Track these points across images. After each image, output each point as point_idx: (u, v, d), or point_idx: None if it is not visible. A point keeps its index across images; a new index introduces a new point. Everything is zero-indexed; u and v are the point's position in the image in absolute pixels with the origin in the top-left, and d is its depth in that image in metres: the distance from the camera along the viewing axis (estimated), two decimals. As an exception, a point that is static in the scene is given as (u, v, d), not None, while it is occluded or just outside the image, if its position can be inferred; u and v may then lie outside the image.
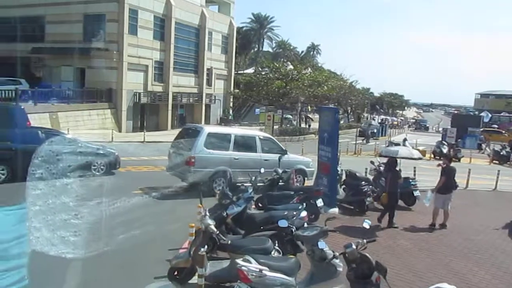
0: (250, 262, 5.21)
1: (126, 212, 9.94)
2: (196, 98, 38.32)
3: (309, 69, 41.76)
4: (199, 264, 5.62)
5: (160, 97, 34.02)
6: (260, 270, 5.12)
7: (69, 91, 28.26)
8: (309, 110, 52.55)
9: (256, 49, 64.78)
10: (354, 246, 5.52)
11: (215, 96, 40.72)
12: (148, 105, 33.28)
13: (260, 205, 10.02)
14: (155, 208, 10.87)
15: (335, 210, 11.25)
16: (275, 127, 33.32)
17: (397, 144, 27.70)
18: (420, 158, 12.28)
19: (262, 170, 10.14)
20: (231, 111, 43.16)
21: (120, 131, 29.72)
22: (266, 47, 70.69)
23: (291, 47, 77.19)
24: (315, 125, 45.27)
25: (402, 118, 78.30)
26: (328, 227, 5.88)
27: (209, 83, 39.83)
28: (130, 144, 22.50)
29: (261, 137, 13.89)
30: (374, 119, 58.77)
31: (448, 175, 10.46)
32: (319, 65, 50.59)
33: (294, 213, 7.37)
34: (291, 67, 41.50)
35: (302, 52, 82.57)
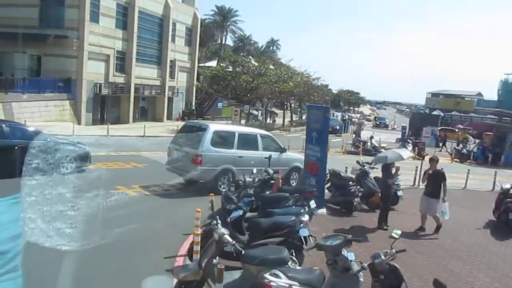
0: (278, 277, 4.78)
1: (110, 212, 9.20)
2: (159, 91, 37.10)
3: (271, 65, 41.48)
4: (217, 278, 5.12)
5: (121, 89, 32.58)
6: (290, 286, 4.71)
7: (24, 80, 26.35)
8: (271, 105, 52.43)
9: (217, 42, 63.79)
10: (383, 257, 5.25)
11: (178, 89, 39.62)
12: (109, 97, 31.82)
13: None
14: (140, 209, 10.15)
15: (323, 210, 11.04)
16: (242, 122, 32.88)
17: (364, 141, 28.25)
18: (409, 158, 12.27)
19: (255, 170, 9.75)
20: (193, 105, 42.20)
21: (79, 123, 28.19)
22: (228, 41, 70.00)
23: (252, 41, 76.93)
24: (279, 120, 45.46)
25: (359, 115, 79.93)
26: (352, 236, 5.54)
27: (172, 76, 38.69)
28: (94, 138, 21.28)
29: (262, 135, 13.77)
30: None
31: (436, 178, 10.30)
32: (281, 60, 50.35)
33: (302, 218, 6.99)
34: (253, 62, 41.12)
35: (262, 46, 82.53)
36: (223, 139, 12.45)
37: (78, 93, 28.73)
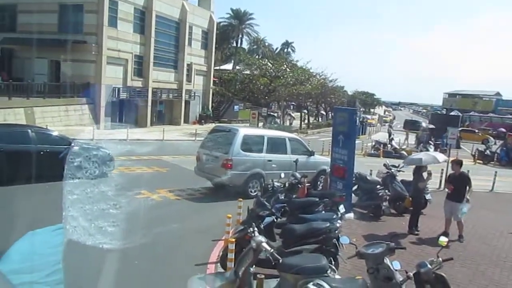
0: (322, 287, 4.61)
1: (135, 218, 9.17)
2: (176, 94, 37.17)
3: (285, 67, 41.20)
4: (257, 288, 4.98)
5: (139, 93, 32.70)
6: (335, 297, 4.54)
7: (44, 85, 26.65)
8: (288, 108, 52.18)
9: (233, 45, 63.86)
10: (429, 266, 5.05)
11: (194, 92, 39.67)
12: (127, 101, 31.96)
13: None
14: (166, 214, 10.09)
15: (351, 215, 10.79)
16: (260, 124, 32.78)
17: (384, 144, 27.87)
18: (445, 161, 11.89)
19: (283, 175, 9.62)
20: (210, 108, 42.23)
21: (98, 127, 28.36)
22: (243, 44, 70.00)
23: (267, 44, 76.77)
24: (295, 123, 45.28)
25: (374, 116, 78.94)
26: (395, 244, 5.34)
27: (188, 79, 38.73)
28: (115, 142, 21.34)
29: (290, 138, 13.74)
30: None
31: (458, 181, 9.78)
32: (298, 63, 50.04)
33: (337, 225, 6.81)
34: (269, 64, 41.01)
35: (277, 49, 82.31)
36: (252, 143, 12.45)
37: (97, 98, 28.92)
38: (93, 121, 28.61)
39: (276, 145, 12.90)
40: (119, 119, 31.74)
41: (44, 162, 10.97)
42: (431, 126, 32.22)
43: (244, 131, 12.70)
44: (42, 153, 11.47)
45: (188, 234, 8.98)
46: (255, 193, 11.56)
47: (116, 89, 30.43)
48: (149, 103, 33.65)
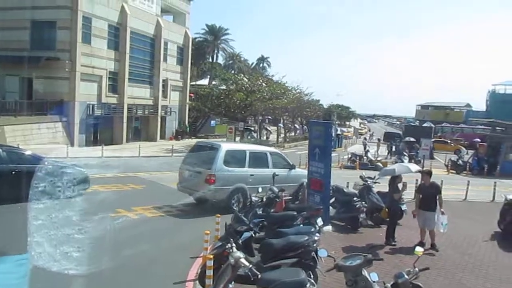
0: (301, 302, 4.60)
1: (113, 237, 9.00)
2: (152, 110, 36.89)
3: (263, 82, 41.55)
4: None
5: (114, 109, 32.31)
6: (315, 311, 4.53)
7: (16, 103, 26.03)
8: (265, 122, 52.40)
9: (209, 60, 64.04)
10: (406, 276, 5.11)
11: (170, 108, 39.48)
12: (102, 117, 31.50)
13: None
14: (143, 232, 9.92)
15: (329, 228, 10.85)
16: (237, 139, 32.79)
17: (360, 156, 28.25)
18: (418, 171, 12.07)
19: (260, 189, 9.63)
20: (187, 123, 42.05)
21: (72, 145, 27.83)
22: (219, 59, 70.28)
23: (242, 59, 77.29)
24: (273, 137, 45.43)
25: (350, 129, 79.97)
26: (372, 256, 5.39)
27: (164, 95, 38.54)
28: (89, 160, 20.95)
29: (271, 152, 13.94)
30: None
31: (429, 191, 9.96)
32: (273, 77, 50.44)
33: (315, 238, 6.83)
34: (245, 79, 41.26)
35: (252, 64, 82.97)
36: (234, 158, 12.58)
37: (71, 115, 28.37)
38: (67, 139, 28.05)
39: (258, 160, 13.07)
40: (94, 136, 31.25)
41: (16, 182, 10.66)
42: (412, 139, 32.71)
43: (226, 146, 12.84)
44: (13, 173, 11.16)
45: (166, 251, 8.85)
46: None
47: (91, 105, 29.97)
48: (125, 120, 33.23)
